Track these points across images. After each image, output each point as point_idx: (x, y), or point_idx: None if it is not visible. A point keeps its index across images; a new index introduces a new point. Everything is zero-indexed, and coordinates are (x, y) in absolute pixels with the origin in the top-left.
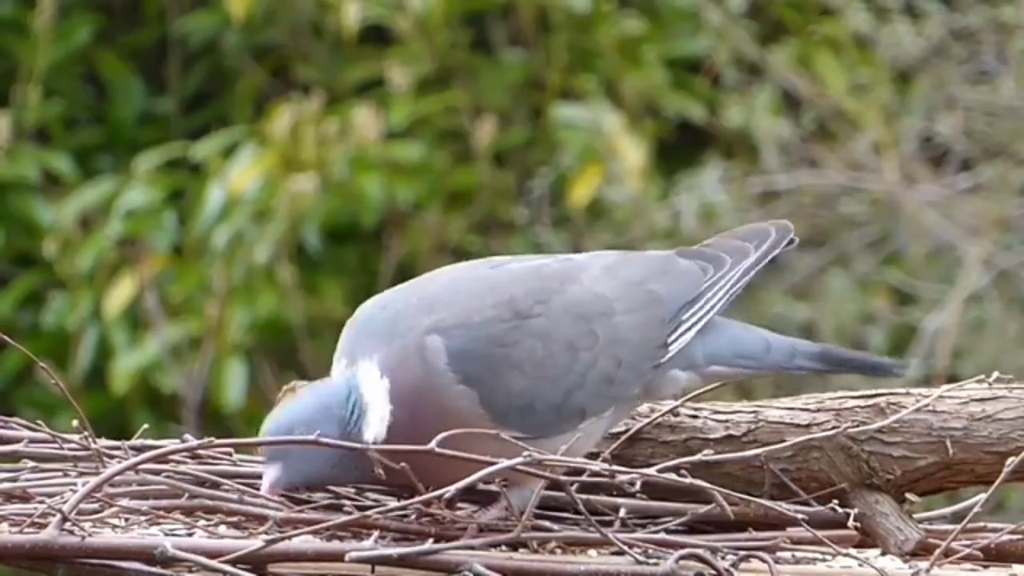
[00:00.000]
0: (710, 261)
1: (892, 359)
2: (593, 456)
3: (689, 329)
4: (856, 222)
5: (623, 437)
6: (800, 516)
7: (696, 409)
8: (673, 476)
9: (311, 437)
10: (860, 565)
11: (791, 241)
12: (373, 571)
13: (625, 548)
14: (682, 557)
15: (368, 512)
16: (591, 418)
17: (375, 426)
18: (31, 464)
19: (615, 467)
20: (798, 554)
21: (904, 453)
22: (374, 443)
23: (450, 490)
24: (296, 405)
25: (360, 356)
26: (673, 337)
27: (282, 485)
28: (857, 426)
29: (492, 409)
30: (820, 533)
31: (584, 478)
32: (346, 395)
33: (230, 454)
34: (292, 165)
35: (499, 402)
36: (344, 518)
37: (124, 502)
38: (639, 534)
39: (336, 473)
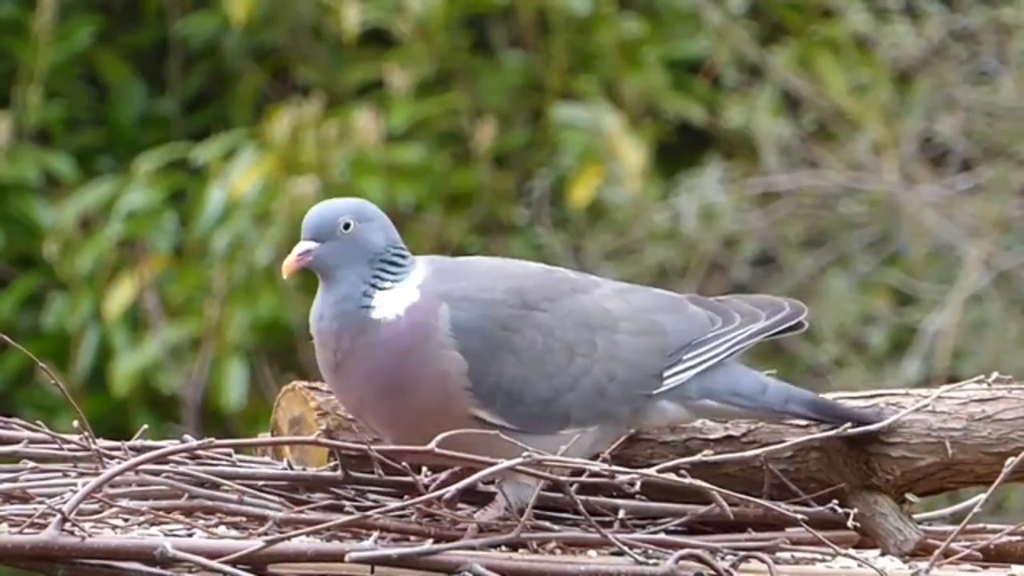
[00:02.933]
0: (720, 314)
1: (876, 411)
2: (593, 456)
3: (688, 369)
4: (856, 223)
5: (623, 437)
6: (800, 516)
7: None
8: (673, 476)
9: (310, 438)
10: (860, 565)
11: (799, 324)
12: (373, 571)
13: (625, 549)
14: (682, 557)
15: (368, 512)
16: (575, 427)
17: (393, 308)
18: (31, 464)
19: (615, 467)
20: (798, 554)
21: (904, 453)
22: (384, 318)
23: (450, 490)
24: (359, 201)
25: (421, 261)
26: (670, 372)
27: (308, 262)
28: (856, 428)
29: (479, 386)
30: (820, 533)
31: (584, 479)
32: (407, 252)
33: (230, 455)
34: (292, 168)
35: (488, 381)
36: (344, 518)
37: (124, 502)
38: (639, 535)
39: (343, 282)
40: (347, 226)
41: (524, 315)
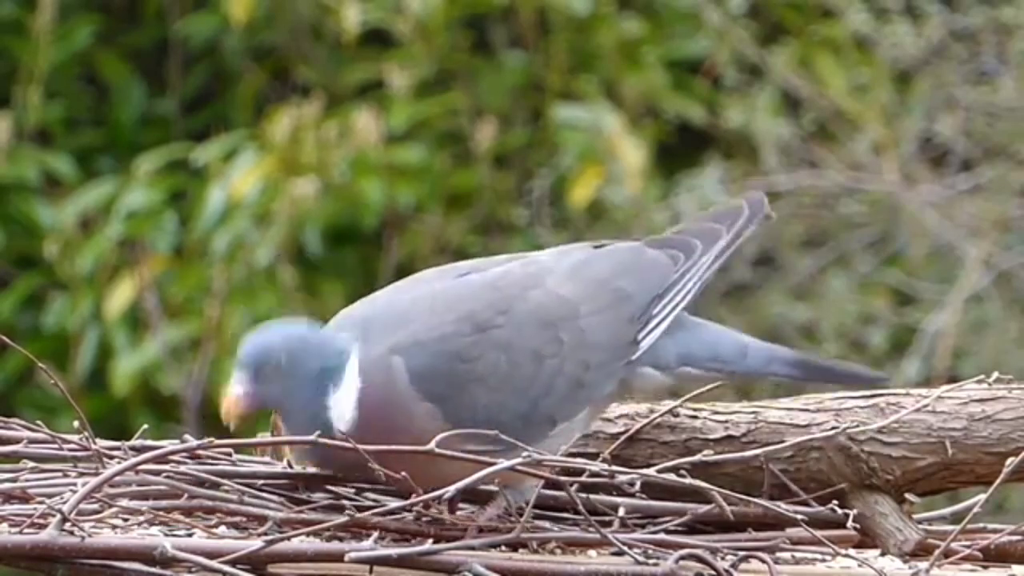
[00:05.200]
0: (680, 249)
1: (873, 371)
2: (593, 456)
3: (660, 323)
4: (856, 223)
5: (623, 437)
6: (800, 516)
7: (696, 409)
8: (673, 476)
9: (310, 438)
10: (860, 565)
11: (766, 216)
12: (372, 572)
13: (625, 548)
14: (682, 557)
15: (367, 512)
16: (563, 423)
17: (347, 405)
18: (31, 464)
19: (615, 467)
20: (798, 554)
21: (904, 453)
22: (346, 426)
23: (450, 490)
24: (288, 329)
25: (353, 339)
26: (643, 333)
27: (248, 404)
28: (857, 426)
29: (457, 424)
30: (820, 533)
31: (584, 478)
32: (340, 349)
33: (230, 454)
34: (292, 168)
35: (464, 417)
36: (343, 519)
37: (124, 502)
38: (639, 534)
39: (297, 413)
40: (278, 365)
41: (480, 339)
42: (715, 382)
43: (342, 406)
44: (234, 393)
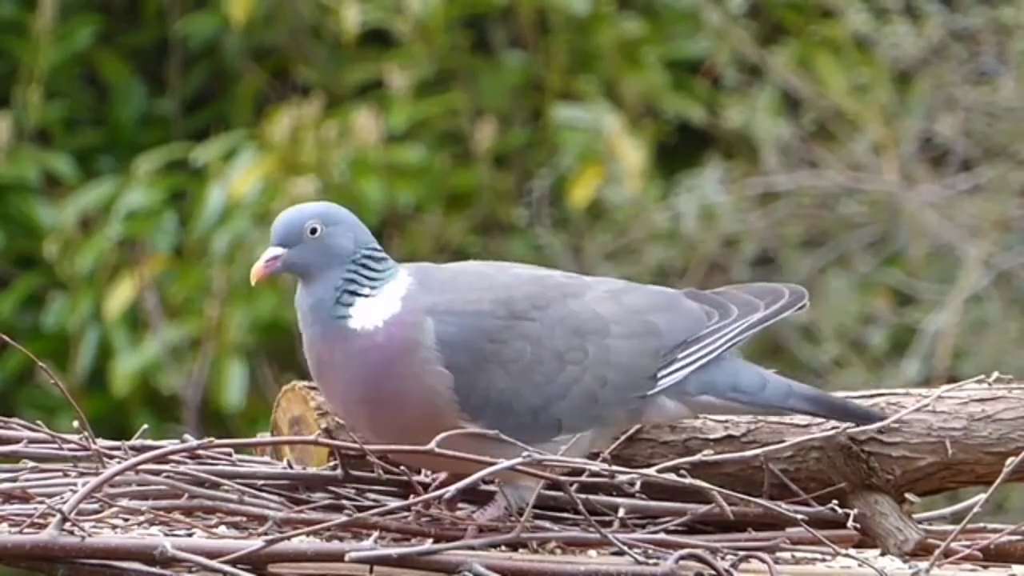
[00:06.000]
0: (717, 308)
1: (879, 411)
2: (593, 456)
3: (682, 368)
4: (856, 223)
5: (623, 437)
6: (800, 516)
7: None
8: (673, 476)
9: (310, 438)
10: (860, 565)
11: (802, 306)
12: (372, 571)
13: (625, 548)
14: (682, 557)
15: (368, 512)
16: (568, 433)
17: (376, 315)
18: (31, 464)
19: (615, 467)
20: (798, 554)
21: (904, 453)
22: (362, 328)
23: (450, 490)
24: (328, 205)
25: (408, 273)
26: (664, 372)
27: (275, 267)
28: (857, 426)
29: (466, 400)
30: (820, 533)
31: (584, 478)
32: (385, 258)
33: (230, 454)
34: (292, 168)
35: (476, 395)
36: (344, 518)
37: (124, 502)
38: (639, 534)
39: (317, 288)
40: (313, 231)
41: (512, 326)
42: (731, 413)
43: (370, 312)
44: (264, 257)
